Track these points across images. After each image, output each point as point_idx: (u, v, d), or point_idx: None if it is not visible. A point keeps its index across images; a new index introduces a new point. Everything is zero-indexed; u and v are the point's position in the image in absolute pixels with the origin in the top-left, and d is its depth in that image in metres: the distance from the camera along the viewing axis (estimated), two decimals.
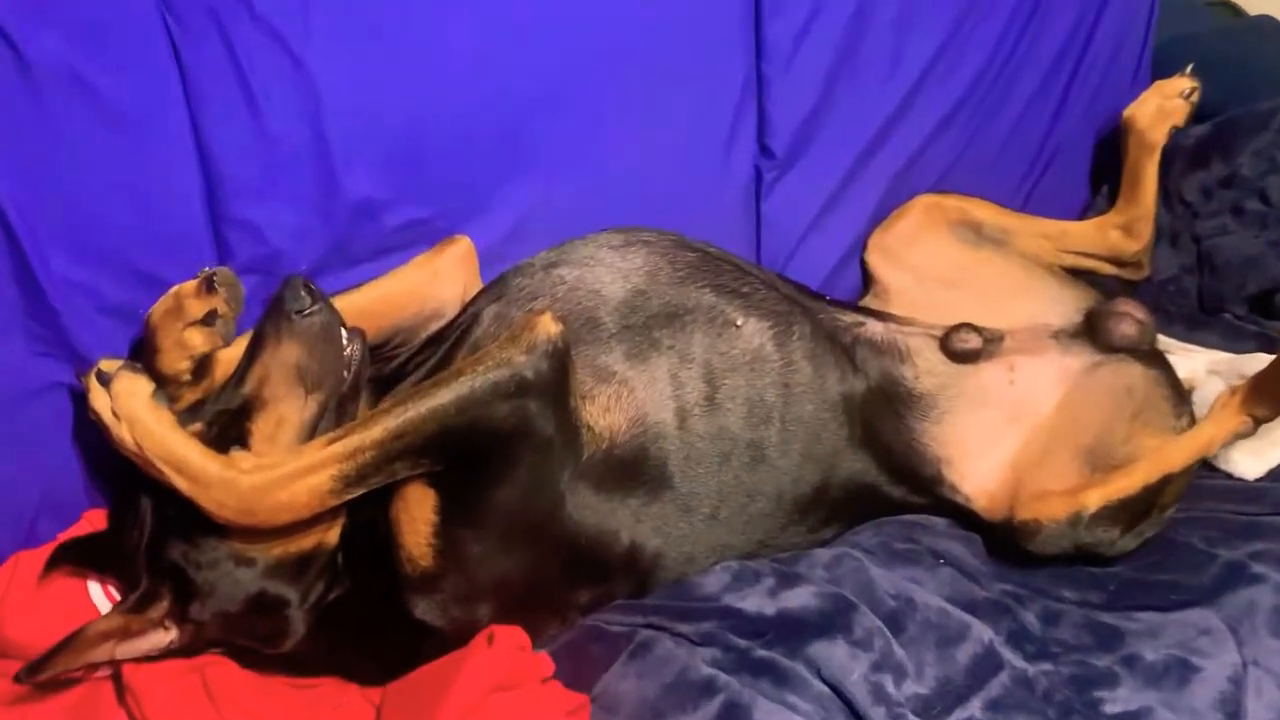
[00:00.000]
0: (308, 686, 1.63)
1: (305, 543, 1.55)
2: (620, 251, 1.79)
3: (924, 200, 2.13)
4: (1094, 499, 1.73)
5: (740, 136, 1.99)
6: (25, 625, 1.58)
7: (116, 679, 1.55)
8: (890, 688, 1.51)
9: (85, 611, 1.58)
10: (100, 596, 1.61)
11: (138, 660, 1.53)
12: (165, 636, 1.53)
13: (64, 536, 1.66)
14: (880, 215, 2.14)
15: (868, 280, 2.13)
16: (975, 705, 1.51)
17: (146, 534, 1.52)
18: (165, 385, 1.55)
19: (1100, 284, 2.14)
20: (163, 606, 1.51)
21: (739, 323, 1.77)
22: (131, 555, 1.53)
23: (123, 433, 1.45)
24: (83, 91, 1.51)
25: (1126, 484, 1.74)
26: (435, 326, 1.81)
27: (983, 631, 1.59)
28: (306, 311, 1.52)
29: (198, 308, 1.53)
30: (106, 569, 1.61)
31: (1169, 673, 1.55)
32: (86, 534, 1.65)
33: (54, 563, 1.57)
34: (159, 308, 1.56)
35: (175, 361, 1.55)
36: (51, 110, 1.51)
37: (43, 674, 1.42)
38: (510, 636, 1.55)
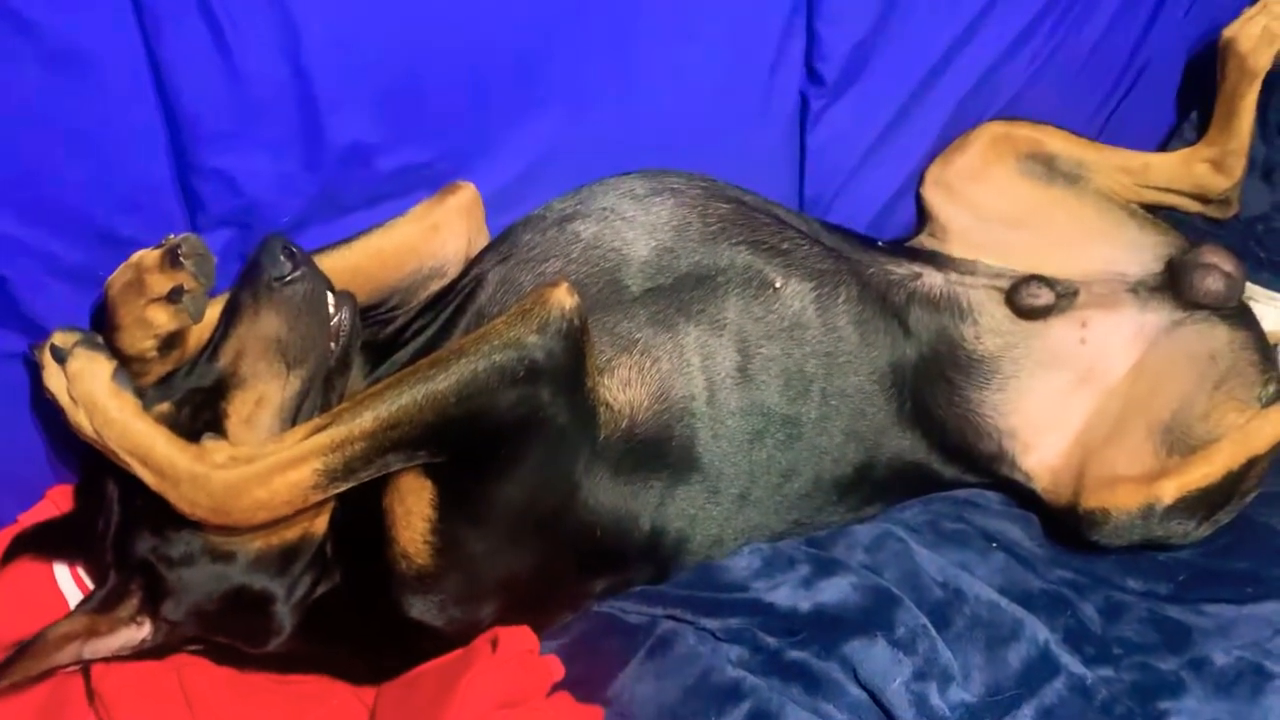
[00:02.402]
0: (292, 682, 1.57)
1: (289, 533, 1.45)
2: (644, 203, 1.67)
3: (991, 129, 1.95)
4: (1170, 490, 1.62)
5: (786, 60, 1.81)
6: None
7: (86, 675, 1.48)
8: (934, 698, 1.44)
9: (51, 598, 1.53)
10: (68, 580, 1.55)
11: (108, 660, 1.46)
12: (137, 633, 1.46)
13: (26, 519, 1.59)
14: (941, 145, 1.98)
15: (923, 217, 1.99)
16: (1026, 715, 1.44)
17: (113, 524, 1.44)
18: (129, 363, 1.42)
19: (1181, 222, 2.00)
20: (133, 604, 1.44)
21: (777, 284, 1.66)
22: (98, 545, 1.45)
23: (80, 418, 1.37)
24: (20, 26, 1.32)
25: (1207, 471, 1.63)
26: (436, 286, 1.68)
27: (1037, 630, 1.51)
28: (287, 279, 1.43)
29: (161, 283, 1.36)
30: (74, 557, 1.53)
31: (1241, 680, 1.47)
32: (50, 518, 1.57)
33: (14, 551, 1.50)
34: (118, 279, 1.41)
35: (138, 341, 1.40)
36: None
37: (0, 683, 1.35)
38: (516, 640, 1.48)
